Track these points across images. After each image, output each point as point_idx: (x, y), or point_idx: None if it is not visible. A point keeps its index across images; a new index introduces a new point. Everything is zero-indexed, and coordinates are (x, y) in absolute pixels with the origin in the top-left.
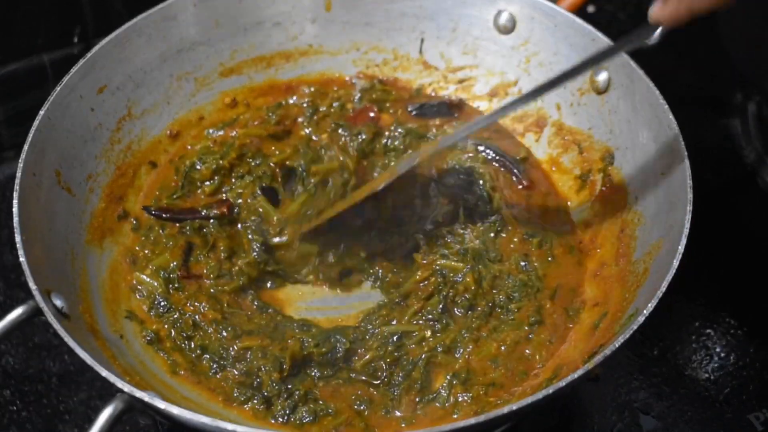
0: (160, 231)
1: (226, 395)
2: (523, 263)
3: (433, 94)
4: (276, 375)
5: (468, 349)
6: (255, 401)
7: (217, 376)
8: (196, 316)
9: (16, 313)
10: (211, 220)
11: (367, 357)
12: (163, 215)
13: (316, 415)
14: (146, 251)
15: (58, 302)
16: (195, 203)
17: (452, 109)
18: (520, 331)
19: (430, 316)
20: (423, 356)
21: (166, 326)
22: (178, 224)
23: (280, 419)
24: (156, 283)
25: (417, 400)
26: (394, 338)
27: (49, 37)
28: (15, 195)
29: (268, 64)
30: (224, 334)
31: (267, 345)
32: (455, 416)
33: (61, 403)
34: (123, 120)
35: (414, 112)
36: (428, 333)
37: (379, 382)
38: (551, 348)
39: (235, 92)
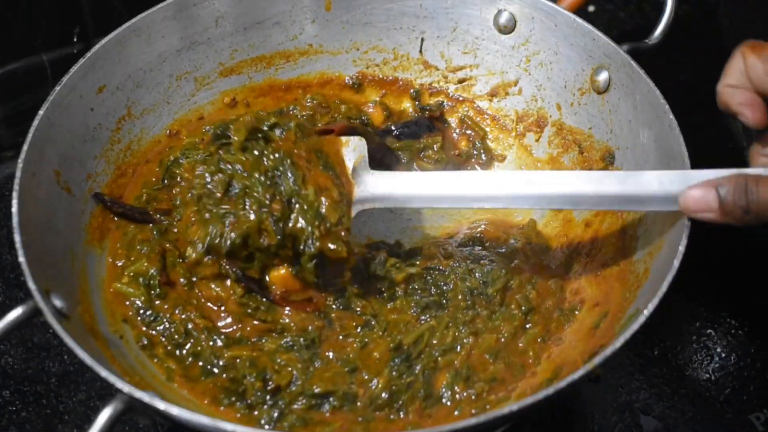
0: (136, 234)
1: (213, 397)
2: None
3: (413, 113)
4: (259, 384)
5: (468, 342)
6: (238, 405)
7: (207, 380)
8: (188, 324)
9: (16, 313)
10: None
11: (379, 386)
12: (114, 208)
13: (306, 422)
14: (124, 258)
15: (58, 302)
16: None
17: (434, 122)
18: (515, 319)
19: (427, 300)
20: (426, 364)
21: (155, 333)
22: (151, 225)
23: (267, 426)
24: (136, 292)
25: (423, 406)
26: (403, 356)
27: (49, 37)
28: (14, 195)
29: (268, 63)
30: (218, 342)
31: (257, 356)
32: (456, 413)
33: (60, 404)
34: (122, 120)
35: (396, 133)
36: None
37: (385, 408)
38: (544, 346)
39: (234, 92)
